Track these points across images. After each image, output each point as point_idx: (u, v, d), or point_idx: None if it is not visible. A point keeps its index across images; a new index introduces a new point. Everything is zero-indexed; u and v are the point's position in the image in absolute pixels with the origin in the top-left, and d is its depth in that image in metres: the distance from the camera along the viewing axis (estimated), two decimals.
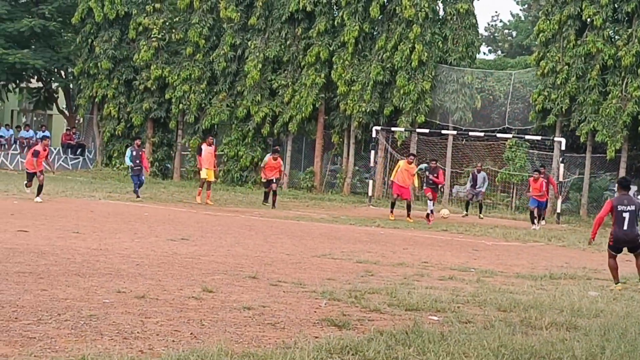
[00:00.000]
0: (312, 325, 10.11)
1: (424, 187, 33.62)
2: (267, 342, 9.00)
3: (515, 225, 32.60)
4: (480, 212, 36.24)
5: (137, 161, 33.25)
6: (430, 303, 12.01)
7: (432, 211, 31.97)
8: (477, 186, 36.39)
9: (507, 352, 8.98)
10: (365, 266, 16.52)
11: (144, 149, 36.49)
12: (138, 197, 32.51)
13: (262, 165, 34.72)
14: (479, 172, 36.67)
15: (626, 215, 15.74)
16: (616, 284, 15.55)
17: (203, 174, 33.04)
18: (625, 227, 15.78)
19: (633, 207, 15.82)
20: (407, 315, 11.09)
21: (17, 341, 8.33)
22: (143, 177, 33.99)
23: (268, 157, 33.73)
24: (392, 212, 32.16)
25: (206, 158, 32.86)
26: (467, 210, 36.40)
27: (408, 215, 31.64)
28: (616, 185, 17.44)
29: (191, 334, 9.19)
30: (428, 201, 32.82)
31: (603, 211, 16.20)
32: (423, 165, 34.85)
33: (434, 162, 34.16)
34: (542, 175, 32.72)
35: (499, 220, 34.86)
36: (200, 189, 33.26)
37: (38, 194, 28.16)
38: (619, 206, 15.86)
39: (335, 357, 8.34)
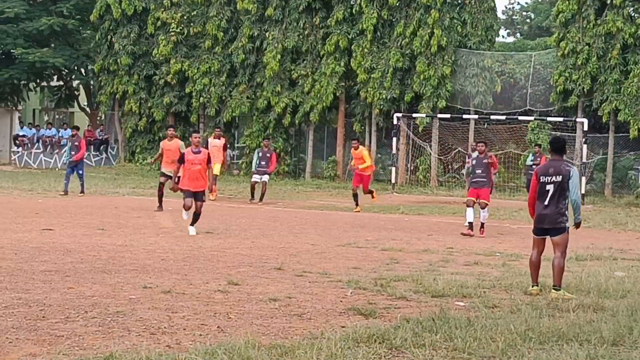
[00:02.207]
0: (339, 315, 10.12)
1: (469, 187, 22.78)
2: (294, 333, 9.02)
3: None
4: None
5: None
6: (456, 289, 11.99)
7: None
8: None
9: (535, 336, 8.97)
10: (390, 254, 16.51)
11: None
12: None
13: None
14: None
15: (549, 187, 12.22)
16: (532, 286, 12.38)
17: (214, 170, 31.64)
18: (545, 203, 12.34)
19: (559, 178, 12.16)
20: (434, 302, 11.08)
21: (45, 340, 8.38)
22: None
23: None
24: (357, 204, 28.21)
25: (211, 152, 31.08)
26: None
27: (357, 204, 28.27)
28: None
29: (218, 327, 9.22)
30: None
31: (531, 188, 12.80)
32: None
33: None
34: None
35: (523, 202, 34.65)
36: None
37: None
38: (541, 177, 12.37)
39: (363, 346, 8.34)
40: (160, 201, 25.06)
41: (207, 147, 31.32)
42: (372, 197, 28.73)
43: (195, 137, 19.04)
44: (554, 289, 11.93)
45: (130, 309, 9.99)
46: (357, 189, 28.08)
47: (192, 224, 18.73)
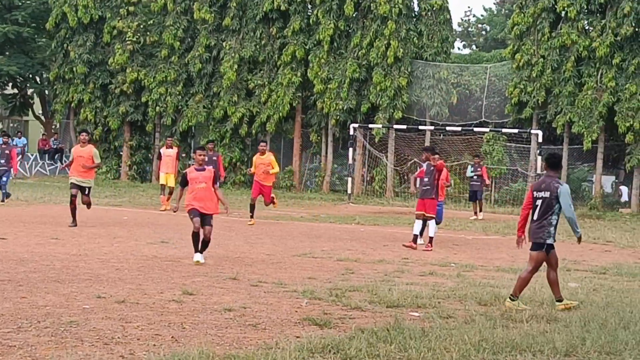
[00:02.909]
0: (294, 325, 10.11)
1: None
2: (248, 344, 9.00)
3: (495, 218, 32.68)
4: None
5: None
6: (411, 299, 12.03)
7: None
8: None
9: (488, 346, 9.02)
10: (345, 264, 16.53)
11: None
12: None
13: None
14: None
15: (538, 202, 12.38)
16: (559, 301, 12.14)
17: (161, 179, 30.66)
18: (534, 217, 12.50)
19: (547, 194, 12.34)
20: (388, 312, 11.11)
21: None
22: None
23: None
24: (252, 216, 26.01)
25: (164, 162, 30.50)
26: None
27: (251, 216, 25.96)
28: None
29: (172, 337, 9.17)
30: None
31: (526, 200, 12.77)
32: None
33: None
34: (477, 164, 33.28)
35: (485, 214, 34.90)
36: (162, 195, 30.76)
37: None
38: (534, 192, 12.53)
39: (317, 357, 8.35)
40: (74, 215, 22.18)
41: (159, 157, 31.12)
42: (274, 204, 26.97)
43: (200, 155, 17.59)
44: (509, 298, 12.00)
45: (83, 318, 9.91)
46: (255, 200, 26.01)
47: (200, 252, 16.17)
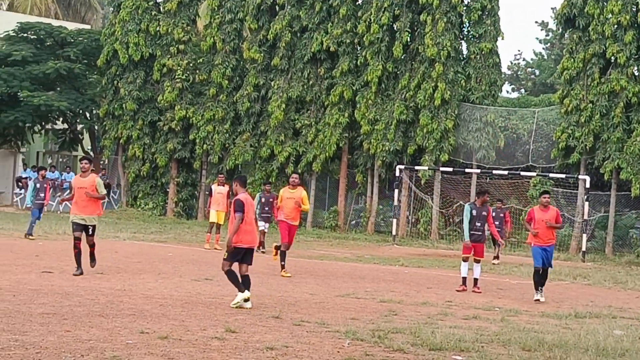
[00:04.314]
0: None
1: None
2: None
3: None
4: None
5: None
6: (454, 342, 11.97)
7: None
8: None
9: None
10: (388, 305, 16.48)
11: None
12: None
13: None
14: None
15: None
16: None
17: (212, 217, 30.44)
18: None
19: None
20: (431, 355, 11.06)
21: None
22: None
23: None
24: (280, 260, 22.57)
25: (215, 199, 30.34)
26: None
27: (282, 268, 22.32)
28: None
29: None
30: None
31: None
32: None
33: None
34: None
35: (524, 258, 34.63)
36: (209, 233, 30.56)
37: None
38: None
39: None
40: (78, 262, 19.27)
41: (210, 194, 30.94)
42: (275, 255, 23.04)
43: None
44: None
45: (126, 354, 9.97)
46: (287, 246, 22.50)
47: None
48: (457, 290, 20.20)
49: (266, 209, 29.69)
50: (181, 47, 48.64)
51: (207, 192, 37.14)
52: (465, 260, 20.92)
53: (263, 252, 27.47)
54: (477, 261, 21.01)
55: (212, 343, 11.08)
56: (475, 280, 20.81)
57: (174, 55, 48.65)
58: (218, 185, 31.10)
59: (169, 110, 48.70)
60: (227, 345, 11.00)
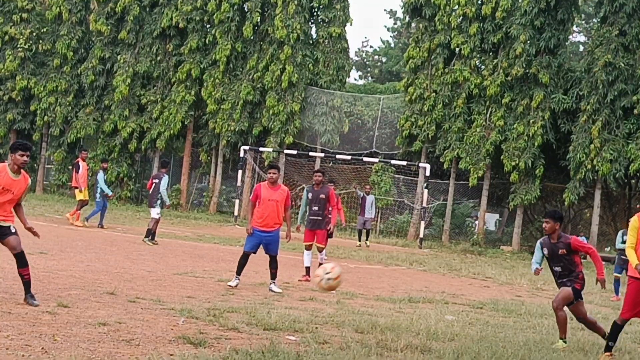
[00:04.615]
0: (168, 343, 10.00)
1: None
2: (120, 359, 8.86)
3: (379, 248, 32.95)
4: (367, 239, 33.96)
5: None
6: (288, 323, 12.02)
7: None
8: (365, 212, 33.83)
9: None
10: (226, 285, 16.44)
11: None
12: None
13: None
14: (367, 194, 34.31)
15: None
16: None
17: (81, 195, 29.20)
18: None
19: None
20: (265, 335, 11.08)
21: None
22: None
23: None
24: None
25: (82, 176, 29.28)
26: (360, 240, 33.86)
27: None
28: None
29: (42, 348, 8.98)
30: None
31: None
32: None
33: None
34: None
35: (362, 243, 35.14)
36: (78, 211, 29.13)
37: None
38: None
39: None
40: None
41: (77, 170, 29.21)
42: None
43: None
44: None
45: None
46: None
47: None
48: (300, 280, 18.87)
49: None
50: (24, 15, 47.32)
51: (67, 167, 35.96)
52: (307, 248, 19.39)
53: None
54: (320, 250, 19.78)
55: (43, 317, 10.83)
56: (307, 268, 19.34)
57: (16, 23, 47.28)
58: (83, 161, 30.07)
59: (10, 79, 47.33)
60: (58, 319, 10.76)
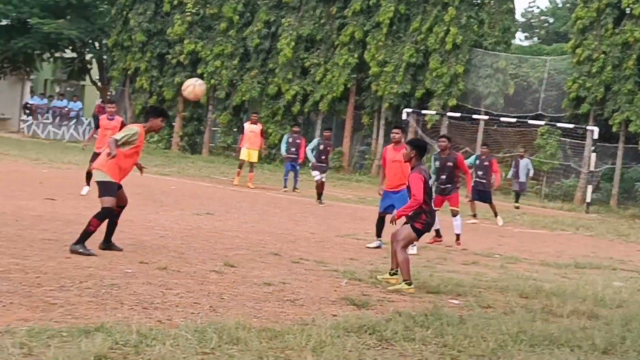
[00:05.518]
0: (331, 304, 10.10)
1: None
2: (285, 318, 9.00)
3: (544, 213, 32.41)
4: (516, 201, 33.12)
5: (293, 149, 29.44)
6: (451, 287, 11.97)
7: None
8: (520, 175, 32.93)
9: (526, 338, 8.93)
10: (388, 248, 16.41)
11: (302, 136, 30.74)
12: (285, 187, 30.07)
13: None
14: (521, 158, 33.52)
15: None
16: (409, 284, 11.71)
17: (242, 154, 30.12)
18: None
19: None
20: (428, 298, 11.07)
21: (38, 306, 8.38)
22: (298, 167, 29.84)
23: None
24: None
25: (247, 137, 29.99)
26: (517, 200, 32.91)
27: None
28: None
29: (210, 306, 9.20)
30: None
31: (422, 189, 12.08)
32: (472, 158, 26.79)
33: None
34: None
35: (527, 207, 34.62)
36: (239, 169, 30.42)
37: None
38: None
39: (353, 336, 8.32)
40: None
41: (242, 132, 30.52)
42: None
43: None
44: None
45: (124, 282, 9.98)
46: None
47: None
48: (430, 243, 17.94)
49: (292, 149, 29.40)
50: None
51: (235, 130, 36.56)
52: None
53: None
54: (454, 214, 19.02)
55: (210, 276, 11.09)
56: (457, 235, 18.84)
57: None
58: (251, 123, 30.78)
59: (178, 43, 48.45)
60: (225, 279, 11.01)
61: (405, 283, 11.62)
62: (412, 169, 12.19)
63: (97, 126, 20.83)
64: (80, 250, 11.83)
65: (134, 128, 12.60)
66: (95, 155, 19.99)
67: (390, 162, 16.37)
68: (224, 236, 15.58)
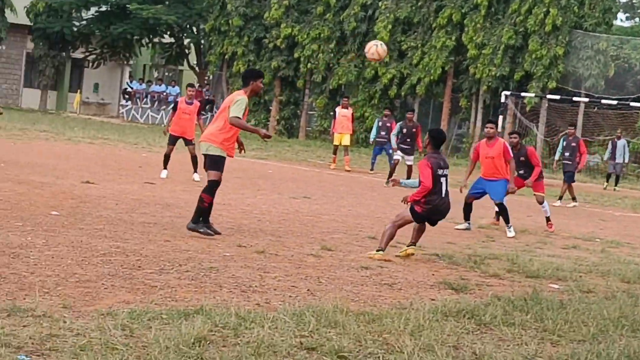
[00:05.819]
0: (429, 288, 10.06)
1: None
2: (383, 302, 8.99)
3: None
4: (616, 184, 33.66)
5: (383, 132, 28.30)
6: (551, 271, 11.81)
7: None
8: (616, 157, 33.75)
9: (628, 323, 8.75)
10: (486, 231, 16.37)
11: (393, 120, 29.64)
12: (372, 169, 30.20)
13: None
14: (618, 139, 34.26)
15: (443, 180, 12.33)
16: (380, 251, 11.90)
17: (335, 139, 30.28)
18: (443, 195, 12.34)
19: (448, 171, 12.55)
20: (527, 282, 10.93)
21: (139, 289, 8.51)
22: (390, 150, 27.44)
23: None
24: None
25: (339, 122, 30.02)
26: (607, 182, 34.28)
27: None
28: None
29: (308, 290, 9.24)
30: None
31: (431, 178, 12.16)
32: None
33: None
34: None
35: (629, 191, 33.96)
36: (334, 155, 30.62)
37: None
38: (439, 170, 12.28)
39: (451, 320, 8.26)
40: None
41: (334, 117, 30.38)
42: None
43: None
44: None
45: (223, 265, 10.08)
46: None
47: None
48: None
49: (382, 133, 28.47)
50: None
51: (329, 113, 36.77)
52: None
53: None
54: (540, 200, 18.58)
55: (308, 260, 11.14)
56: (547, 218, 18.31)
57: None
58: (342, 108, 30.82)
59: (275, 27, 48.67)
60: (322, 262, 11.04)
61: (378, 250, 11.94)
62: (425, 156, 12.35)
63: (174, 109, 20.97)
64: (201, 230, 12.09)
65: (240, 97, 12.38)
66: (173, 138, 20.89)
67: (483, 158, 16.71)
68: (321, 220, 15.63)
